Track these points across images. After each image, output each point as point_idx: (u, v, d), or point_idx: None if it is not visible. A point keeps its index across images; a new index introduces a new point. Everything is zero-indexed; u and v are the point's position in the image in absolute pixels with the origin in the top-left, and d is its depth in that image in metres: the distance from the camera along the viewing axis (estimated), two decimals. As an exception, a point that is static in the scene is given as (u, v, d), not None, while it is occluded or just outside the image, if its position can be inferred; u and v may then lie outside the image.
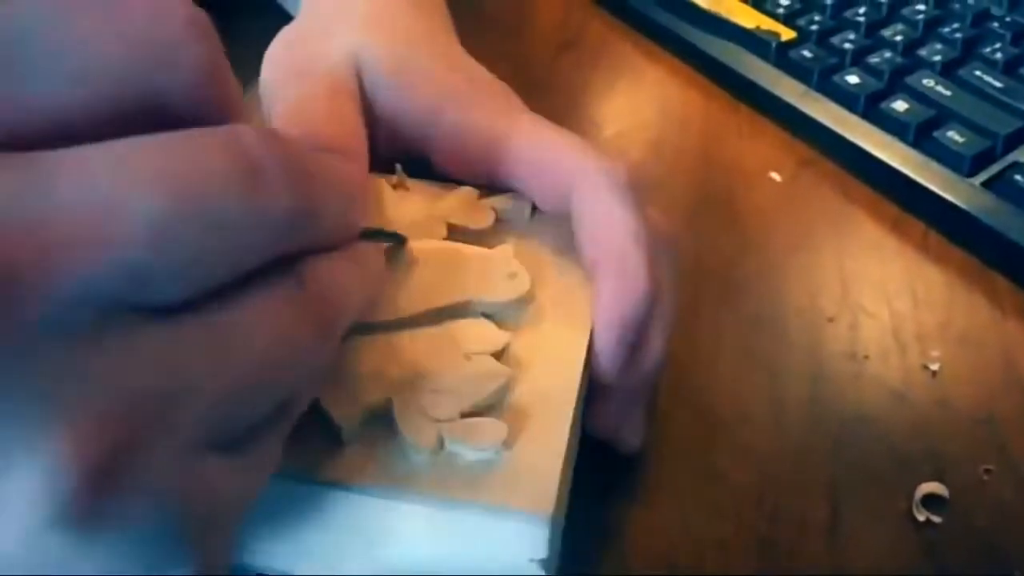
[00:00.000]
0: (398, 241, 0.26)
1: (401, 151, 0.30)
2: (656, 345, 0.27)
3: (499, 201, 0.29)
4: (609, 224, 0.26)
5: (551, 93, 0.47)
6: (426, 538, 0.22)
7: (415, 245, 0.26)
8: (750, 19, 0.48)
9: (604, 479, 0.29)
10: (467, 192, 0.29)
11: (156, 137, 0.16)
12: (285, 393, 0.19)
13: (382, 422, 0.23)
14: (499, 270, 0.26)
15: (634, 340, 0.25)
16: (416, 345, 0.24)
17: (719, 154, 0.43)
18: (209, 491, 0.17)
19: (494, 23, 0.53)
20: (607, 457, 0.29)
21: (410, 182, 0.29)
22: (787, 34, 0.47)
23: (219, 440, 0.17)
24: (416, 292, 0.25)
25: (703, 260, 0.38)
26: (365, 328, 0.24)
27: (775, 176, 0.42)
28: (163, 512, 0.16)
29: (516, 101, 0.32)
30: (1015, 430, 0.31)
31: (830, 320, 0.35)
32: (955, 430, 0.31)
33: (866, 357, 0.34)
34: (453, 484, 0.22)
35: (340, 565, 0.22)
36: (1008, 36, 0.45)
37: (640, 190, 0.27)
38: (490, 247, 0.27)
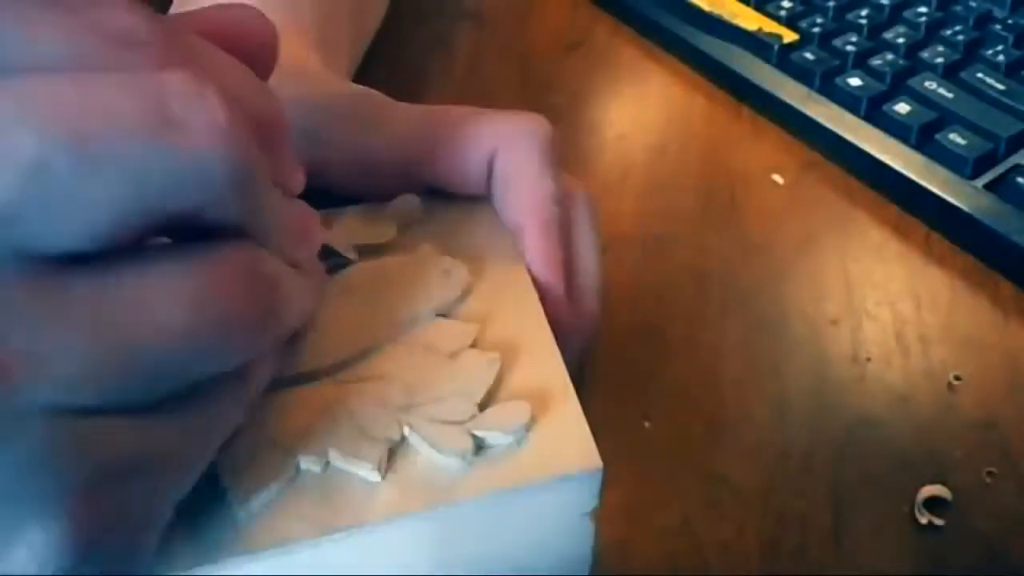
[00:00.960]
0: (346, 262, 0.26)
1: None
2: (590, 301, 0.28)
3: (392, 208, 0.28)
4: (531, 189, 0.27)
5: (554, 95, 0.47)
6: (489, 533, 0.22)
7: (337, 279, 0.26)
8: (752, 21, 0.48)
9: (605, 479, 0.29)
10: (359, 210, 0.28)
11: (71, 75, 0.15)
12: (219, 364, 0.18)
13: (397, 454, 0.22)
14: (431, 272, 0.26)
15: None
16: (393, 366, 0.24)
17: (721, 157, 0.43)
18: (110, 447, 0.16)
19: (498, 25, 0.53)
20: (608, 458, 0.29)
21: None
22: (789, 36, 0.47)
23: (124, 403, 0.16)
24: (355, 325, 0.25)
25: (705, 262, 0.38)
26: (311, 376, 0.23)
27: (777, 178, 0.42)
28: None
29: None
30: (1018, 432, 0.31)
31: (833, 322, 0.35)
32: (958, 432, 0.31)
33: (868, 359, 0.34)
34: (503, 474, 0.22)
35: None
36: (1010, 38, 0.46)
37: (555, 146, 0.28)
38: (404, 253, 0.27)
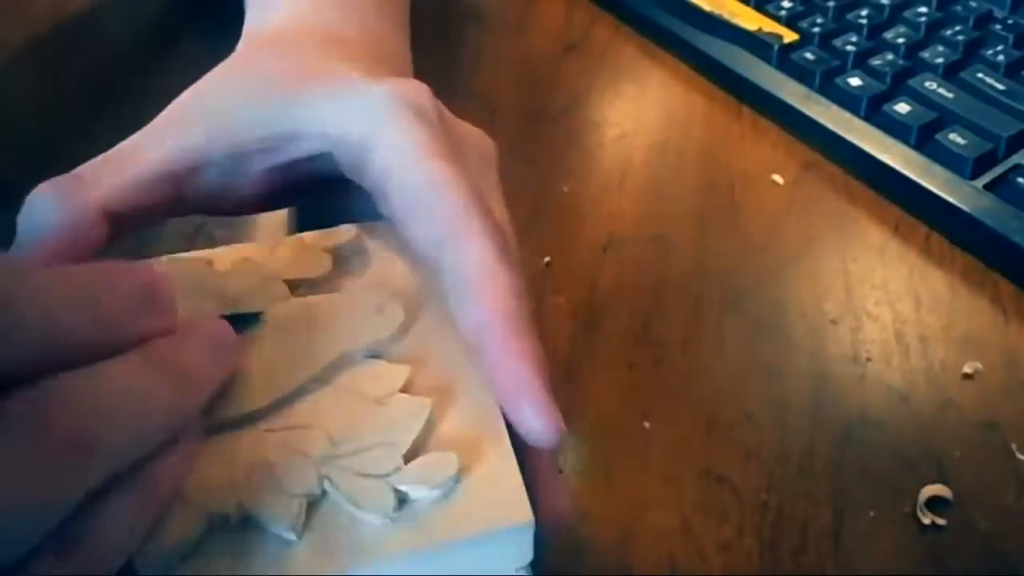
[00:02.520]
0: (255, 319, 0.24)
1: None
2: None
3: (326, 238, 0.27)
4: (489, 285, 0.23)
5: (554, 95, 0.47)
6: None
7: (264, 318, 0.24)
8: (752, 21, 0.48)
9: (605, 479, 0.29)
10: (292, 241, 0.27)
11: None
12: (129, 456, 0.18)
13: (318, 509, 0.21)
14: (363, 309, 0.25)
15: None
16: (317, 413, 0.22)
17: (721, 156, 0.43)
18: None
19: (498, 25, 0.53)
20: (608, 458, 0.29)
21: (221, 249, 0.27)
22: (789, 36, 0.47)
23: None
24: (283, 367, 0.23)
25: (705, 263, 0.38)
26: (230, 424, 0.22)
27: (777, 179, 0.42)
28: None
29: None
30: (1018, 432, 0.31)
31: (833, 322, 0.35)
32: (958, 432, 0.31)
33: (868, 359, 0.34)
34: (428, 531, 0.21)
35: None
36: (1010, 38, 0.45)
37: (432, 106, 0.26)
38: (339, 288, 0.26)
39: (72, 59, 0.47)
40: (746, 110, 0.46)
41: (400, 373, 0.23)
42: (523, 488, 0.21)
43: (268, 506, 0.20)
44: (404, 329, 0.25)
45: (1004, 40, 0.46)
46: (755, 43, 0.47)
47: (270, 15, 0.32)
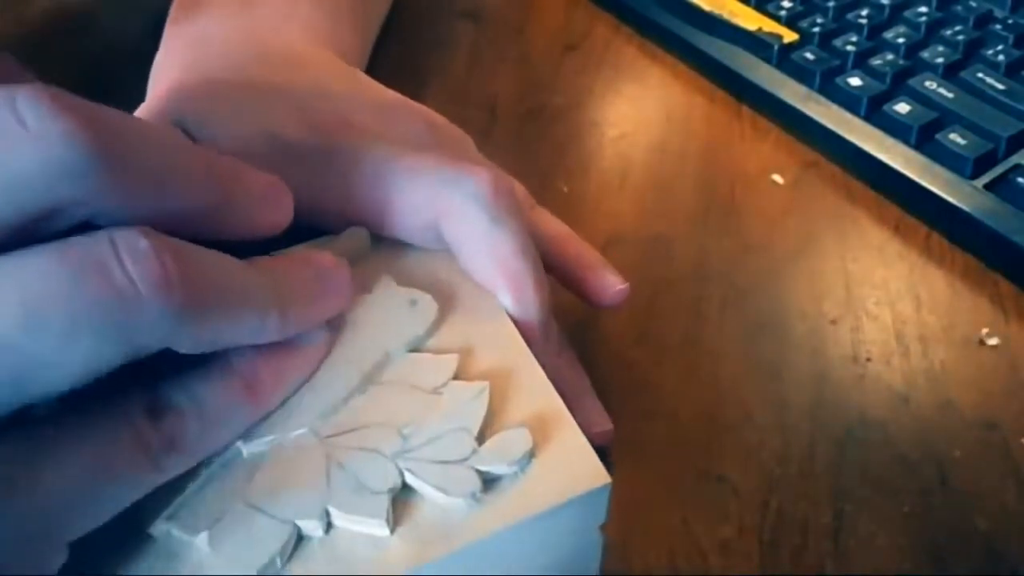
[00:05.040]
0: None
1: None
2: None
3: (339, 243, 0.27)
4: (487, 249, 0.26)
5: (554, 95, 0.47)
6: (505, 563, 0.21)
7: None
8: (752, 21, 0.48)
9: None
10: (302, 249, 0.27)
11: None
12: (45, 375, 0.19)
13: (400, 502, 0.21)
14: (397, 306, 0.25)
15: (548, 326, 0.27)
16: (376, 412, 0.23)
17: (721, 156, 0.43)
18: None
19: (498, 25, 0.53)
20: (608, 459, 0.29)
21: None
22: (789, 36, 0.47)
23: None
24: (330, 374, 0.23)
25: (705, 263, 0.38)
26: (297, 432, 0.22)
27: (777, 178, 0.42)
28: None
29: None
30: (1018, 432, 0.31)
31: (833, 323, 0.35)
32: (958, 433, 0.31)
33: (868, 359, 0.34)
34: (515, 506, 0.21)
35: None
36: (1011, 38, 0.45)
37: (506, 192, 0.26)
38: (364, 290, 0.26)
39: (70, 57, 0.47)
40: (746, 110, 0.46)
41: (449, 362, 0.24)
42: (594, 453, 0.22)
43: (356, 506, 0.20)
44: (437, 322, 0.25)
45: (1004, 40, 0.46)
46: (755, 43, 0.47)
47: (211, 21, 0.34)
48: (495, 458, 0.21)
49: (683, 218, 0.40)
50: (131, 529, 0.20)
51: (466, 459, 0.21)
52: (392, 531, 0.20)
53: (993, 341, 0.34)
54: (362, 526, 0.20)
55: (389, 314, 0.25)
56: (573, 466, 0.22)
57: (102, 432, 0.19)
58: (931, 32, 0.46)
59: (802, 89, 0.44)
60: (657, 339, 0.34)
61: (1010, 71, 0.43)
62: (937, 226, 0.39)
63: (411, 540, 0.20)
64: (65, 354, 0.17)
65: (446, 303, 0.26)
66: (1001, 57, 0.44)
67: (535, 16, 0.54)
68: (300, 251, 0.25)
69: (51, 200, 0.18)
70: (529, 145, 0.44)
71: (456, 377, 0.24)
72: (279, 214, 0.23)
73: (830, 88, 0.44)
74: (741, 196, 0.41)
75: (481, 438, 0.22)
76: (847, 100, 0.43)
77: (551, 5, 0.55)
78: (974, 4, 0.48)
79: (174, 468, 0.20)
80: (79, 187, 0.18)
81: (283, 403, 0.23)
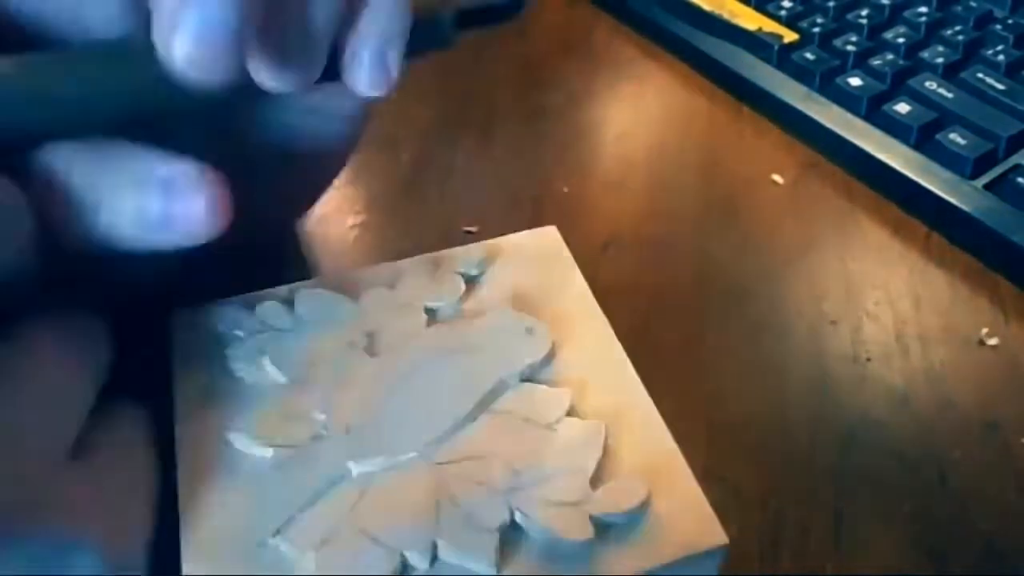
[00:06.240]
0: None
1: None
2: None
3: (456, 260, 0.27)
4: None
5: (554, 95, 0.47)
6: None
7: (413, 348, 0.24)
8: (752, 21, 0.48)
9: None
10: (418, 264, 0.26)
11: None
12: None
13: (508, 541, 0.20)
14: (514, 332, 0.24)
15: None
16: (490, 442, 0.22)
17: (721, 157, 0.43)
18: None
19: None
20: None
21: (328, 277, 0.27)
22: (789, 36, 0.47)
23: None
24: (443, 397, 0.23)
25: (705, 263, 0.38)
26: (401, 460, 0.22)
27: (777, 179, 0.42)
28: None
29: None
30: (1018, 432, 0.31)
31: (833, 323, 0.35)
32: (958, 433, 0.31)
33: (868, 359, 0.34)
34: (629, 557, 0.20)
35: None
36: (1011, 38, 0.46)
37: None
38: (476, 311, 0.25)
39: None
40: (745, 110, 0.46)
41: (564, 397, 0.23)
42: (711, 509, 0.21)
43: (464, 543, 0.20)
44: (552, 352, 0.24)
45: (1004, 40, 0.46)
46: (755, 43, 0.47)
47: None
48: (610, 505, 0.21)
49: (683, 218, 0.40)
50: (238, 537, 0.20)
51: (580, 503, 0.21)
52: (498, 571, 0.20)
53: (993, 341, 0.34)
54: (469, 562, 0.20)
55: (505, 341, 0.24)
56: (689, 522, 0.21)
57: None
58: (931, 32, 0.47)
59: (802, 89, 0.44)
60: (657, 339, 0.34)
61: (1010, 71, 0.43)
62: (937, 226, 0.39)
63: None
64: None
65: (560, 331, 0.25)
66: (1001, 57, 0.44)
67: (535, 16, 0.54)
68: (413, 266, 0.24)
69: None
70: (529, 145, 0.44)
71: (570, 413, 0.23)
72: None
73: (830, 88, 0.44)
74: (741, 196, 0.41)
75: (596, 481, 0.21)
76: (847, 100, 0.43)
77: (551, 5, 0.55)
78: (974, 4, 0.48)
79: None
80: None
81: (397, 422, 0.22)
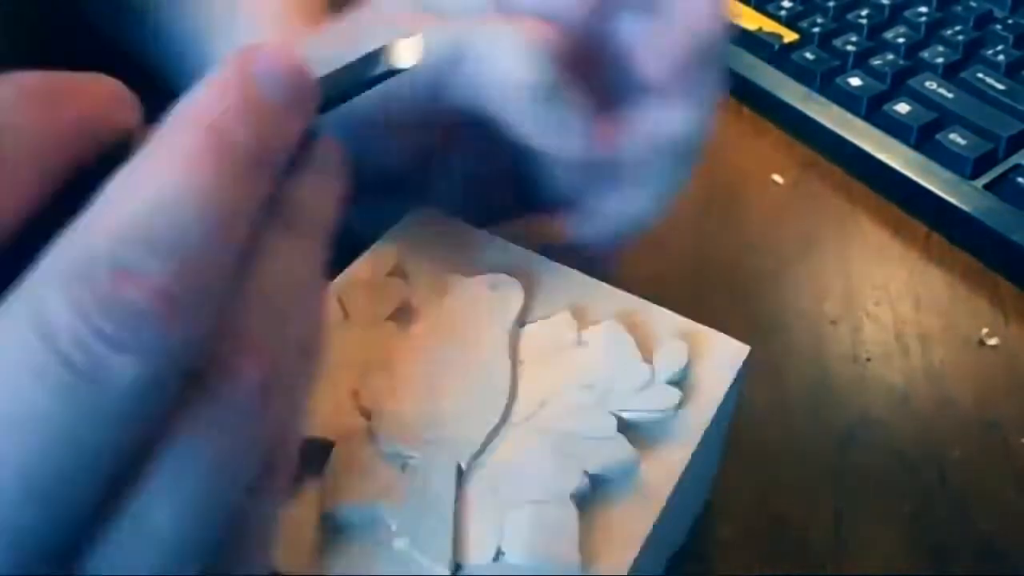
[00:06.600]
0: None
1: None
2: None
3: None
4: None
5: (554, 95, 0.47)
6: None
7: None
8: (752, 21, 0.48)
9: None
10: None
11: None
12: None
13: None
14: (483, 297, 0.25)
15: None
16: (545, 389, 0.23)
17: (721, 157, 0.43)
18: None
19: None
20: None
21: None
22: (789, 36, 0.47)
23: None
24: (477, 394, 0.23)
25: (706, 263, 0.38)
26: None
27: (777, 178, 0.42)
28: None
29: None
30: (1018, 432, 0.31)
31: (833, 323, 0.35)
32: (958, 433, 0.31)
33: (868, 359, 0.34)
34: (706, 399, 0.24)
35: None
36: (1010, 38, 0.46)
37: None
38: (449, 293, 0.26)
39: (64, 54, 0.47)
40: (746, 110, 0.46)
41: (569, 319, 0.25)
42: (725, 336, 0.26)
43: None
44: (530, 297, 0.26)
45: (1004, 40, 0.46)
46: (755, 43, 0.47)
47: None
48: (669, 365, 0.24)
49: (683, 218, 0.40)
50: (368, 534, 0.20)
51: (648, 383, 0.23)
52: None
53: (993, 341, 0.34)
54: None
55: (480, 309, 0.25)
56: (720, 353, 0.25)
57: None
58: (931, 32, 0.47)
59: (802, 89, 0.44)
60: (657, 339, 0.34)
61: (1010, 71, 0.43)
62: (937, 226, 0.39)
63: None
64: None
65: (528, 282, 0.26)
66: (1001, 57, 0.44)
67: (535, 16, 0.54)
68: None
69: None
70: (529, 145, 0.44)
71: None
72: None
73: (830, 88, 0.44)
74: (741, 196, 0.41)
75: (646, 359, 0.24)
76: (847, 100, 0.43)
77: (551, 5, 0.54)
78: (974, 4, 0.48)
79: None
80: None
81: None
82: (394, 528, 0.20)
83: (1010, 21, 0.47)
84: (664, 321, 0.26)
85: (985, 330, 0.35)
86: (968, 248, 0.38)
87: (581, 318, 0.25)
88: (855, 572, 0.27)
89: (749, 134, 0.45)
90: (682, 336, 0.25)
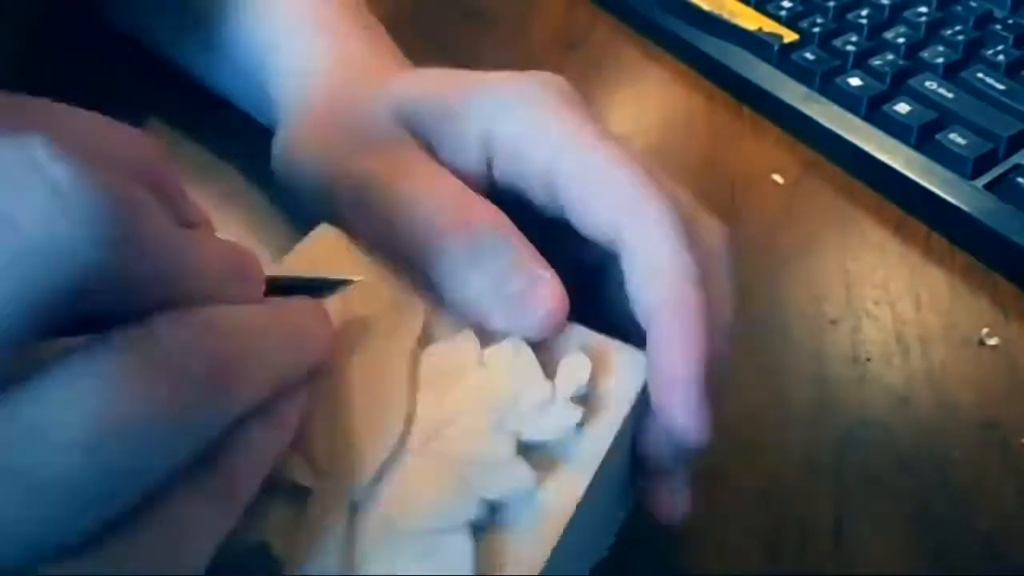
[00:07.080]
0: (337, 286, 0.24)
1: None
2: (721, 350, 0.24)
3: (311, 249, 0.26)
4: (664, 269, 0.23)
5: (554, 95, 0.47)
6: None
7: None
8: (752, 21, 0.48)
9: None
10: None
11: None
12: (152, 468, 0.16)
13: None
14: (384, 315, 0.25)
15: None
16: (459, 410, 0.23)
17: (721, 157, 0.43)
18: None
19: (497, 25, 0.53)
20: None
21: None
22: (789, 36, 0.47)
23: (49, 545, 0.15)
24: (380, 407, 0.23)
25: (706, 262, 0.38)
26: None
27: (777, 179, 0.42)
28: None
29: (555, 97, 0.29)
30: (1018, 432, 0.31)
31: (833, 323, 0.35)
32: (958, 433, 0.31)
33: (868, 359, 0.34)
34: (611, 413, 0.23)
35: None
36: (1010, 38, 0.45)
37: (691, 216, 0.25)
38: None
39: (62, 55, 0.47)
40: (746, 110, 0.46)
41: (470, 336, 0.24)
42: (624, 345, 0.24)
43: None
44: (431, 305, 0.25)
45: (1004, 40, 0.46)
46: (755, 43, 0.47)
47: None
48: (571, 381, 0.23)
49: (683, 218, 0.40)
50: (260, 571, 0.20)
51: (551, 399, 0.22)
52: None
53: (993, 341, 0.34)
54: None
55: (380, 321, 0.24)
56: (625, 365, 0.24)
57: None
58: (931, 32, 0.46)
59: (802, 89, 0.44)
60: (657, 339, 0.34)
61: (1010, 71, 0.43)
62: (937, 226, 0.39)
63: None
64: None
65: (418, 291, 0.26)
66: (1001, 57, 0.44)
67: (535, 16, 0.54)
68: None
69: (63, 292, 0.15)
70: (529, 145, 0.44)
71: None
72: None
73: (830, 88, 0.44)
74: (741, 196, 0.41)
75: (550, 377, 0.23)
76: (847, 100, 0.43)
77: (551, 5, 0.54)
78: (974, 4, 0.48)
79: None
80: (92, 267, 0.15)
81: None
82: (285, 564, 0.20)
83: (1010, 21, 0.47)
84: (571, 335, 0.24)
85: (985, 330, 0.35)
86: (968, 248, 0.38)
87: (485, 337, 0.24)
88: (855, 572, 0.27)
89: (749, 134, 0.45)
90: (585, 350, 0.24)
